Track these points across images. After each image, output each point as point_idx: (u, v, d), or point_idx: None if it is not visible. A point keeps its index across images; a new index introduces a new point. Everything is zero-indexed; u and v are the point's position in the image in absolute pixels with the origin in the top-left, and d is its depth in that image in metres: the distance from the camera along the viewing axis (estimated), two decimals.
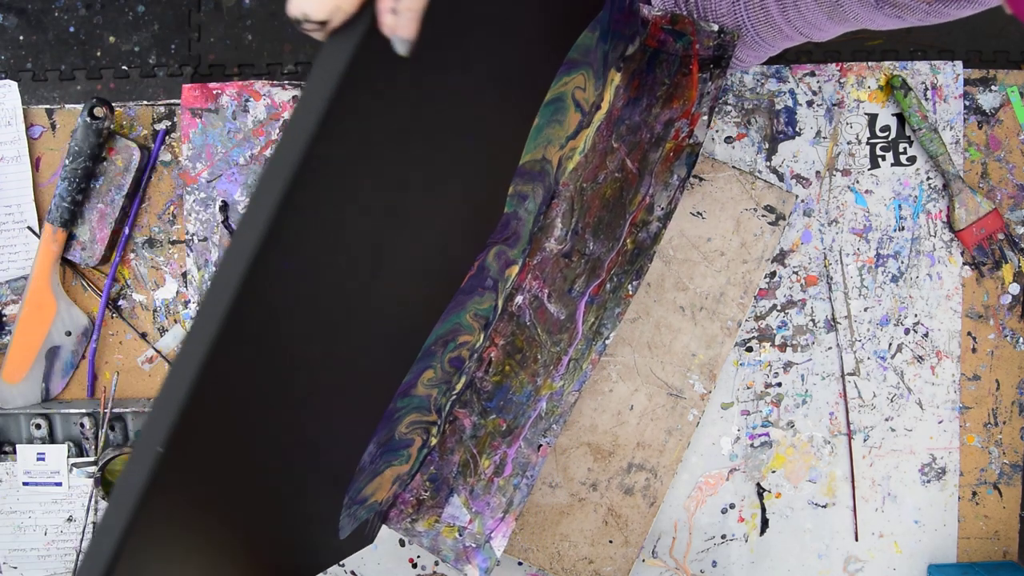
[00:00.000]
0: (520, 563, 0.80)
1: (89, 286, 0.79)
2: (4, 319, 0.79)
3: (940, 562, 0.80)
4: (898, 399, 0.79)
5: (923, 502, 0.80)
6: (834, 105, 0.79)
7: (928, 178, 0.79)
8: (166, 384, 0.34)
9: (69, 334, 0.78)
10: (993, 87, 0.79)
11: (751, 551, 0.80)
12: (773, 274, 0.79)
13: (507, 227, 0.65)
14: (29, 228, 0.78)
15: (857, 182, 0.79)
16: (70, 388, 0.79)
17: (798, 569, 0.80)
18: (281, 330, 0.40)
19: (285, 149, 0.33)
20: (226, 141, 0.79)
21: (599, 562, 0.78)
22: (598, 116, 0.70)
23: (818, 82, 0.79)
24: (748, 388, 0.79)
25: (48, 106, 0.80)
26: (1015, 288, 0.79)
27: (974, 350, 0.80)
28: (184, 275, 0.79)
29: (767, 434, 0.79)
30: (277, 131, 0.79)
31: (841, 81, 0.79)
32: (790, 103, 0.79)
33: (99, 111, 0.74)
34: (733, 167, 0.77)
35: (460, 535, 0.71)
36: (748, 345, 0.79)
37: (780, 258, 0.79)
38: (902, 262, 0.79)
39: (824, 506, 0.80)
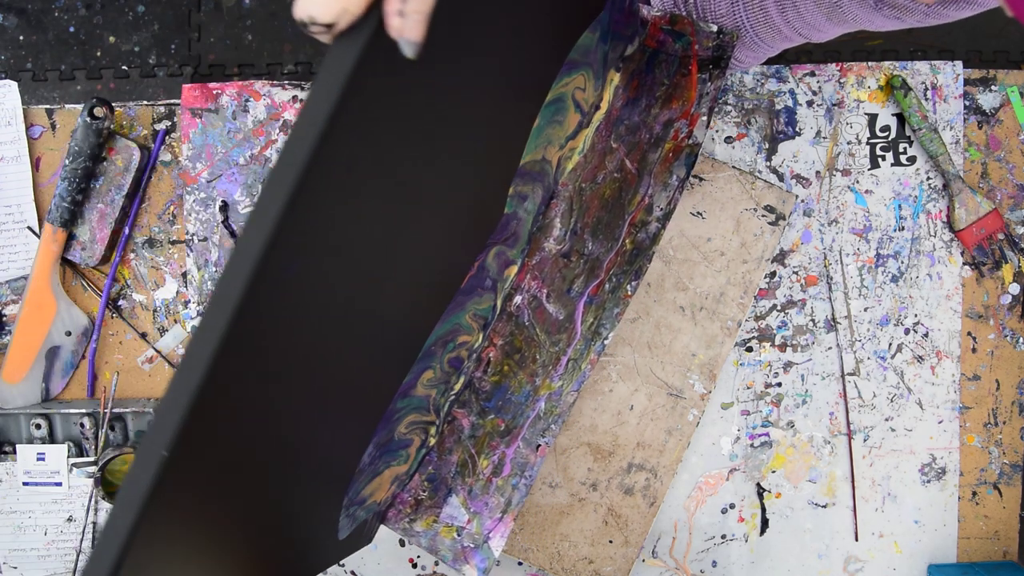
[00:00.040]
0: (520, 563, 0.80)
1: (89, 286, 0.79)
2: (4, 319, 0.79)
3: (940, 562, 0.80)
4: (898, 399, 0.79)
5: (923, 502, 0.80)
6: (834, 105, 0.79)
7: (928, 178, 0.79)
8: (171, 387, 0.34)
9: (69, 334, 0.78)
10: (993, 87, 0.79)
11: (751, 551, 0.80)
12: (773, 274, 0.79)
13: (506, 227, 0.65)
14: (29, 228, 0.78)
15: (857, 182, 0.79)
16: (70, 388, 0.79)
17: (798, 569, 0.80)
18: (285, 333, 0.40)
19: (291, 152, 0.33)
20: (226, 141, 0.79)
21: (599, 562, 0.78)
22: (597, 116, 0.70)
23: (818, 82, 0.79)
24: (748, 388, 0.79)
25: (48, 106, 0.80)
26: (1015, 288, 0.79)
27: (974, 350, 0.80)
28: (184, 275, 0.79)
29: (767, 434, 0.79)
30: (277, 131, 0.79)
31: (841, 81, 0.79)
32: (790, 103, 0.79)
33: (99, 111, 0.74)
34: (733, 167, 0.77)
35: (458, 535, 0.71)
36: (748, 345, 0.79)
37: (780, 258, 0.79)
38: (902, 262, 0.79)
39: (824, 506, 0.80)
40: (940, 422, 0.79)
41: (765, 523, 0.80)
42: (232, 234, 0.78)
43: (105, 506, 0.79)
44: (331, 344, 0.46)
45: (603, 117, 0.70)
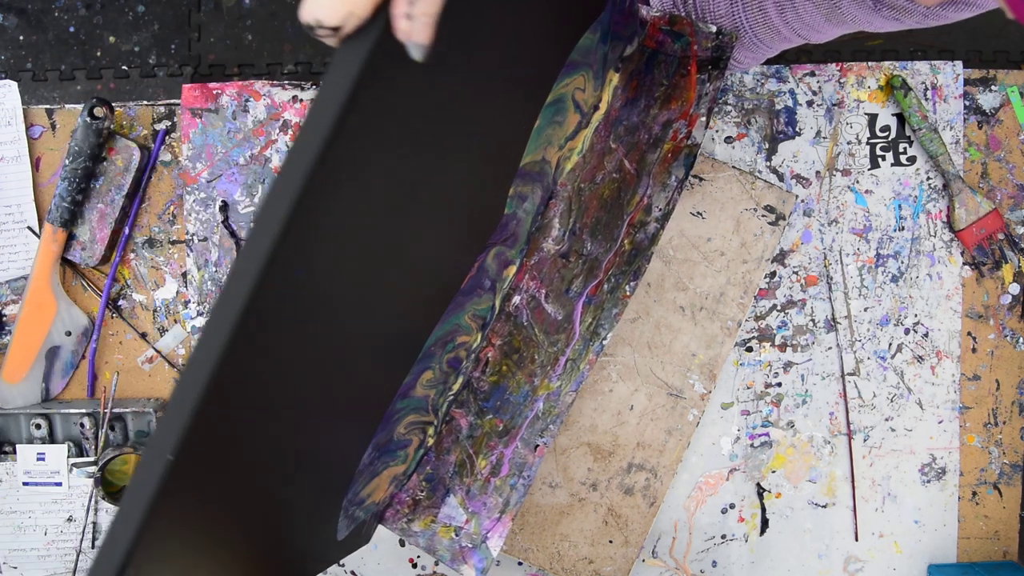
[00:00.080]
0: (520, 563, 0.80)
1: (89, 286, 0.79)
2: (4, 319, 0.79)
3: (940, 562, 0.80)
4: (898, 399, 0.79)
5: (923, 502, 0.80)
6: (834, 105, 0.79)
7: (928, 178, 0.79)
8: (177, 390, 0.34)
9: (69, 334, 0.78)
10: (993, 87, 0.79)
11: (751, 551, 0.80)
12: (773, 274, 0.79)
13: (506, 228, 0.65)
14: (29, 228, 0.78)
15: (857, 182, 0.79)
16: (70, 388, 0.79)
17: (798, 569, 0.80)
18: (289, 336, 0.40)
19: (297, 155, 0.33)
20: (226, 141, 0.79)
21: (599, 562, 0.78)
22: (596, 117, 0.70)
23: (818, 82, 0.79)
24: (748, 388, 0.79)
25: (48, 106, 0.80)
26: (1015, 288, 0.79)
27: (974, 350, 0.80)
28: (184, 275, 0.79)
29: (767, 434, 0.79)
30: (277, 131, 0.79)
31: (841, 81, 0.79)
32: (790, 103, 0.79)
33: (99, 111, 0.74)
34: (733, 167, 0.77)
35: (456, 535, 0.71)
36: (748, 345, 0.79)
37: (780, 258, 0.79)
38: (902, 262, 0.79)
39: (824, 506, 0.80)
40: (940, 422, 0.79)
41: (765, 523, 0.80)
42: (232, 234, 0.78)
43: (105, 506, 0.79)
44: (334, 346, 0.46)
45: (602, 118, 0.70)
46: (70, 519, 0.79)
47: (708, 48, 0.68)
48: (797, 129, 0.79)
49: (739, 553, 0.80)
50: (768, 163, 0.79)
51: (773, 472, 0.80)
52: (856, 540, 0.80)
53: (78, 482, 0.78)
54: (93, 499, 0.78)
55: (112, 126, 0.76)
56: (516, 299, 0.72)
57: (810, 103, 0.79)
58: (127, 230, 0.79)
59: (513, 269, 0.70)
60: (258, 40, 1.09)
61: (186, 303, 0.79)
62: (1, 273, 0.78)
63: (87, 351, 0.79)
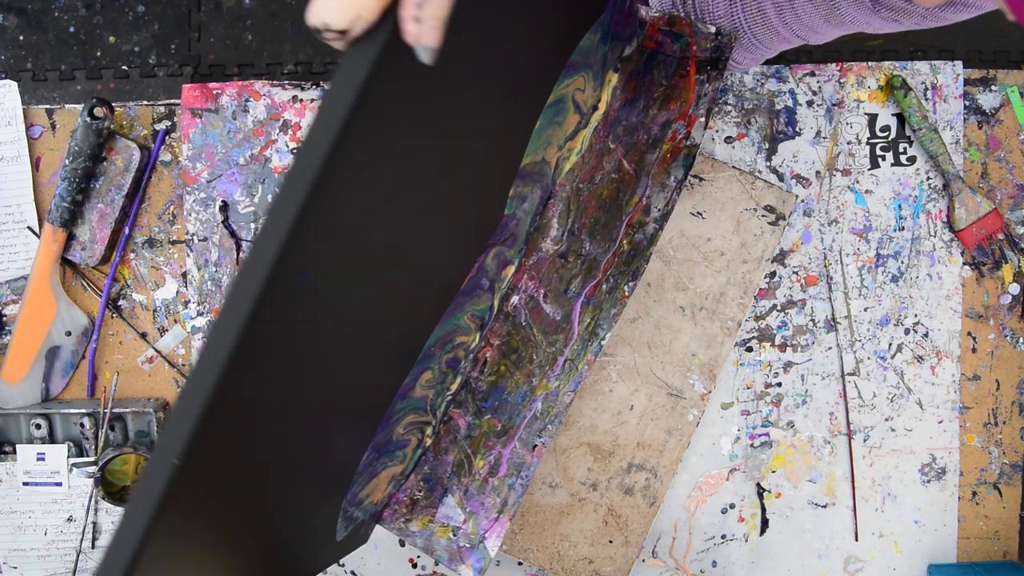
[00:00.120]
0: (520, 563, 0.80)
1: (89, 286, 0.79)
2: (4, 319, 0.79)
3: (940, 562, 0.80)
4: (898, 399, 0.79)
5: (923, 502, 0.80)
6: (834, 105, 0.79)
7: (928, 178, 0.79)
8: (183, 394, 0.34)
9: (69, 334, 0.78)
10: (993, 87, 0.79)
11: (751, 551, 0.80)
12: (773, 274, 0.79)
13: (505, 228, 0.65)
14: (29, 228, 0.78)
15: (857, 182, 0.79)
16: (70, 388, 0.79)
17: (798, 569, 0.80)
18: (294, 340, 0.40)
19: (305, 159, 0.33)
20: (226, 141, 0.79)
21: (599, 562, 0.78)
22: (595, 117, 0.70)
23: (818, 82, 0.79)
24: (748, 388, 0.79)
25: (48, 106, 0.80)
26: (1015, 288, 0.79)
27: (974, 350, 0.80)
28: (184, 275, 0.79)
29: (767, 434, 0.79)
30: (277, 131, 0.79)
31: (841, 81, 0.79)
32: (790, 103, 0.79)
33: (99, 111, 0.74)
34: (733, 167, 0.77)
35: (454, 535, 0.71)
36: (748, 345, 0.79)
37: (780, 258, 0.79)
38: (902, 262, 0.79)
39: (824, 506, 0.80)
40: (940, 422, 0.79)
41: (765, 523, 0.80)
42: (232, 234, 0.78)
43: (105, 506, 0.79)
44: (337, 349, 0.46)
45: (601, 118, 0.70)
46: (70, 519, 0.79)
47: (707, 49, 0.68)
48: (797, 129, 0.79)
49: (739, 553, 0.80)
50: (768, 163, 0.79)
51: (773, 472, 0.80)
52: (856, 540, 0.80)
53: (78, 482, 0.78)
54: (93, 499, 0.78)
55: (112, 126, 0.76)
56: (514, 299, 0.72)
57: (810, 103, 0.79)
58: (127, 230, 0.79)
59: (512, 269, 0.70)
60: (258, 40, 1.09)
61: (186, 303, 0.79)
62: (1, 273, 0.78)
63: (87, 351, 0.79)
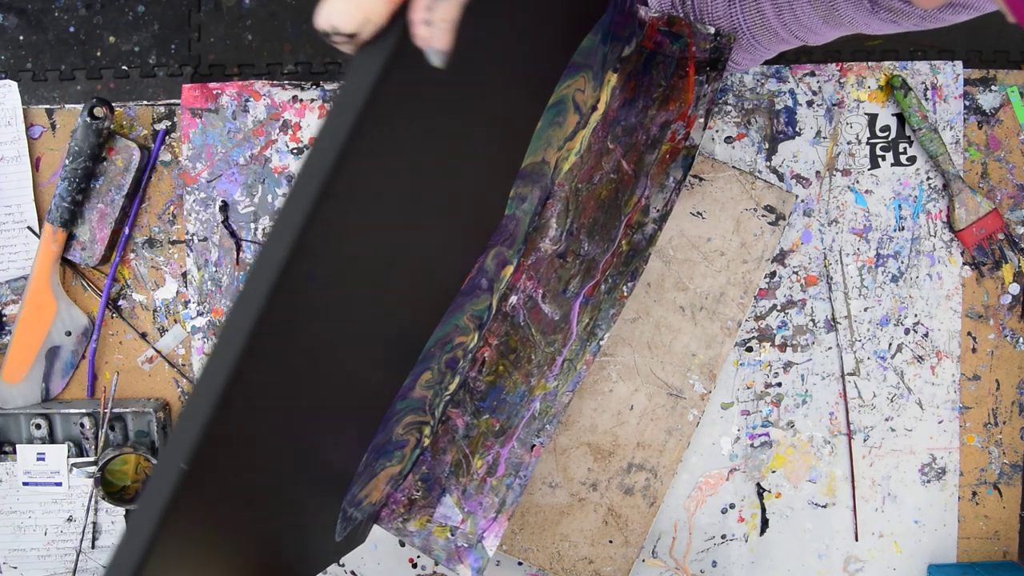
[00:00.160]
0: (520, 563, 0.80)
1: (89, 286, 0.79)
2: (4, 319, 0.79)
3: (940, 562, 0.80)
4: (898, 399, 0.79)
5: (923, 502, 0.80)
6: (834, 105, 0.79)
7: (928, 178, 0.79)
8: (192, 399, 0.34)
9: (69, 334, 0.78)
10: (993, 87, 0.79)
11: (751, 551, 0.80)
12: (773, 274, 0.79)
13: (504, 228, 0.65)
14: (29, 228, 0.78)
15: (857, 182, 0.79)
16: (70, 388, 0.79)
17: (798, 569, 0.80)
18: (300, 343, 0.40)
19: (315, 163, 0.33)
20: (226, 141, 0.79)
21: (599, 562, 0.78)
22: (594, 117, 0.70)
23: (818, 82, 0.79)
24: (748, 388, 0.79)
25: (48, 106, 0.80)
26: (1015, 288, 0.79)
27: (974, 350, 0.80)
28: (184, 275, 0.79)
29: (767, 434, 0.79)
30: (277, 131, 0.79)
31: (841, 81, 0.79)
32: (790, 103, 0.79)
33: (99, 111, 0.74)
34: (733, 167, 0.77)
35: (452, 535, 0.71)
36: (748, 345, 0.79)
37: (780, 258, 0.79)
38: (902, 262, 0.79)
39: (824, 506, 0.80)
40: (940, 422, 0.79)
41: (765, 523, 0.80)
42: (232, 234, 0.78)
43: (105, 506, 0.79)
44: (341, 351, 0.47)
45: (600, 118, 0.70)
46: (70, 519, 0.79)
47: (706, 49, 0.68)
48: (797, 129, 0.79)
49: (739, 553, 0.80)
50: (768, 163, 0.79)
51: (773, 472, 0.80)
52: (856, 540, 0.80)
53: (78, 482, 0.78)
54: (93, 499, 0.78)
55: (112, 126, 0.76)
56: (513, 299, 0.72)
57: (810, 103, 0.79)
58: (127, 230, 0.79)
59: (510, 269, 0.70)
60: (258, 40, 1.09)
61: (186, 303, 0.79)
62: (1, 273, 0.78)
63: (87, 351, 0.79)
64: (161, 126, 0.79)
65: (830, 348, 0.79)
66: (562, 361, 0.72)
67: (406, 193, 0.43)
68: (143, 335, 0.79)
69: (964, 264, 0.79)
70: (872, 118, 0.79)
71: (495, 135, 0.53)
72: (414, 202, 0.45)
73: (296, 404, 0.44)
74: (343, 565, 0.80)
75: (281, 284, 0.33)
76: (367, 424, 0.58)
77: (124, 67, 1.05)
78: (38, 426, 0.78)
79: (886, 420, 0.79)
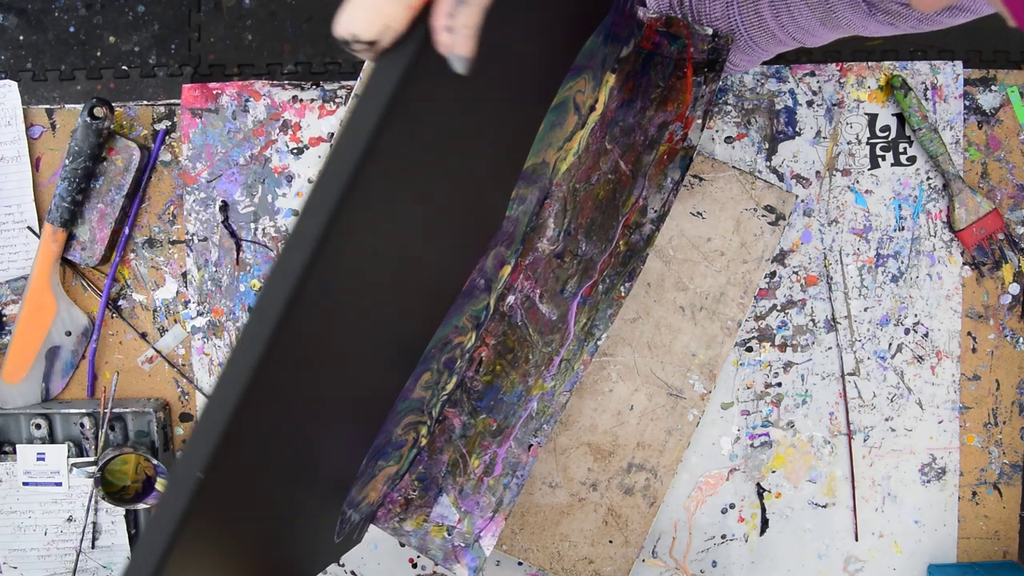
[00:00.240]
0: (520, 563, 0.80)
1: (89, 286, 0.79)
2: (4, 319, 0.79)
3: (940, 562, 0.80)
4: (898, 399, 0.79)
5: (923, 502, 0.79)
6: (834, 105, 0.79)
7: (928, 178, 0.79)
8: (208, 407, 0.34)
9: (69, 334, 0.78)
10: (993, 87, 0.79)
11: (751, 551, 0.80)
12: (773, 274, 0.79)
13: (504, 229, 0.65)
14: (29, 228, 0.78)
15: (857, 182, 0.79)
16: (70, 388, 0.79)
17: (798, 569, 0.80)
18: (311, 352, 0.40)
19: (334, 170, 0.33)
20: (226, 141, 0.79)
21: (599, 562, 0.78)
22: (592, 118, 0.70)
23: (818, 82, 0.79)
24: (748, 388, 0.79)
25: (48, 106, 0.80)
26: (1015, 288, 0.79)
27: (974, 350, 0.79)
28: (184, 275, 0.79)
29: (767, 434, 0.79)
30: (277, 131, 0.79)
31: (841, 81, 0.79)
32: (790, 103, 0.79)
33: (99, 111, 0.74)
34: (733, 167, 0.77)
35: (449, 534, 0.71)
36: (748, 345, 0.79)
37: (780, 258, 0.79)
38: (902, 262, 0.79)
39: (824, 506, 0.80)
40: (940, 422, 0.79)
41: (765, 523, 0.80)
42: (232, 234, 0.78)
43: (105, 506, 0.79)
44: (350, 357, 0.47)
45: (598, 119, 0.70)
46: (70, 519, 0.79)
47: (704, 50, 0.68)
48: (797, 129, 0.79)
49: (739, 553, 0.80)
50: (768, 163, 0.79)
51: (773, 472, 0.80)
52: (856, 540, 0.80)
53: (78, 482, 0.78)
54: (93, 499, 0.78)
55: (112, 126, 0.76)
56: (511, 299, 0.72)
57: (810, 103, 0.79)
58: (127, 230, 0.79)
59: (508, 269, 0.70)
60: (258, 40, 1.09)
61: (186, 303, 0.79)
62: (1, 273, 0.79)
63: (87, 351, 0.79)
64: (161, 126, 0.79)
65: (830, 348, 0.79)
66: (559, 361, 0.72)
67: (418, 199, 0.43)
68: (143, 335, 0.79)
69: (964, 264, 0.79)
70: (872, 118, 0.79)
71: (501, 138, 0.53)
72: (425, 207, 0.45)
73: (306, 410, 0.44)
74: (343, 565, 0.80)
75: (299, 293, 0.33)
76: (370, 427, 0.58)
77: (124, 67, 1.05)
78: (38, 426, 0.78)
79: (886, 420, 0.79)
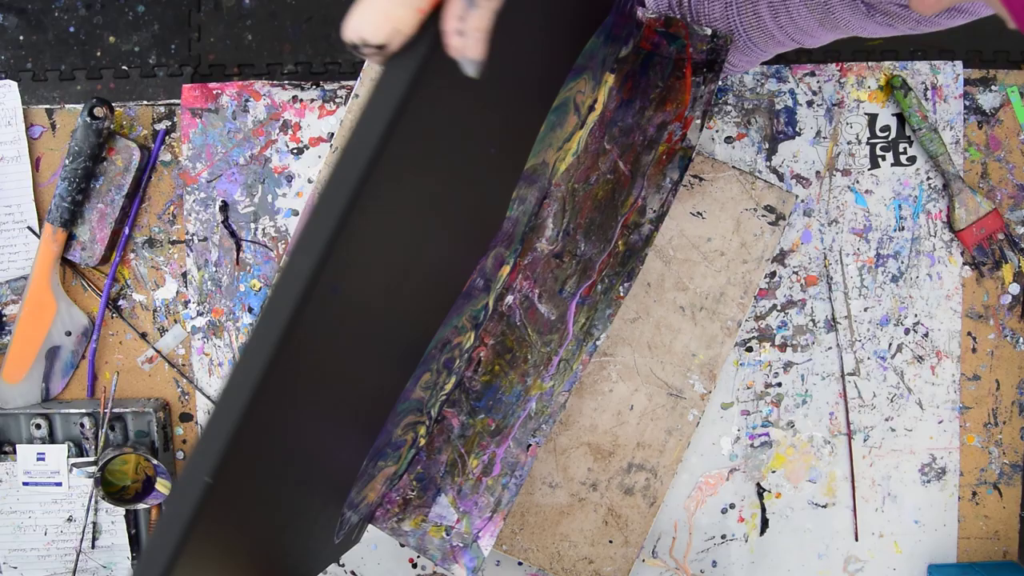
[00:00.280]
0: (520, 563, 0.80)
1: (89, 286, 0.79)
2: (4, 319, 0.79)
3: (940, 562, 0.80)
4: (898, 399, 0.79)
5: (923, 502, 0.79)
6: (834, 105, 0.79)
7: (928, 178, 0.79)
8: (216, 411, 0.34)
9: (69, 334, 0.78)
10: (993, 87, 0.79)
11: (751, 551, 0.80)
12: (773, 274, 0.79)
13: (504, 229, 0.65)
14: (29, 228, 0.78)
15: (857, 182, 0.79)
16: (70, 388, 0.79)
17: (798, 569, 0.80)
18: (318, 356, 0.40)
19: (343, 175, 0.33)
20: (226, 141, 0.79)
21: (599, 562, 0.78)
22: (591, 118, 0.70)
23: (818, 82, 0.79)
24: (748, 388, 0.79)
25: (48, 106, 0.80)
26: (1015, 288, 0.79)
27: (974, 350, 0.79)
28: (184, 275, 0.79)
29: (767, 434, 0.79)
30: (277, 131, 0.79)
31: (841, 81, 0.79)
32: (790, 103, 0.79)
33: (99, 111, 0.74)
34: (733, 167, 0.77)
35: (447, 534, 0.71)
36: (748, 345, 0.79)
37: (780, 258, 0.79)
38: (902, 262, 0.79)
39: (824, 506, 0.80)
40: (940, 422, 0.79)
41: (765, 523, 0.80)
42: (232, 234, 0.78)
43: (105, 506, 0.79)
44: (354, 360, 0.47)
45: (597, 119, 0.70)
46: (70, 519, 0.79)
47: (703, 51, 0.68)
48: (797, 129, 0.79)
49: (739, 553, 0.80)
50: (768, 163, 0.79)
51: (773, 472, 0.80)
52: (856, 540, 0.80)
53: (78, 482, 0.78)
54: (93, 499, 0.78)
55: (112, 126, 0.76)
56: (509, 299, 0.72)
57: (810, 103, 0.79)
58: (127, 230, 0.79)
59: (507, 269, 0.70)
60: (258, 40, 1.09)
61: (186, 303, 0.79)
62: (1, 273, 0.79)
63: (87, 351, 0.79)
64: (161, 126, 0.79)
65: (830, 348, 0.79)
66: (558, 361, 0.72)
67: (424, 202, 0.43)
68: (143, 335, 0.79)
69: (964, 264, 0.79)
70: (872, 118, 0.79)
71: (505, 140, 0.53)
72: (431, 210, 0.45)
73: (312, 412, 0.44)
74: (343, 565, 0.80)
75: (308, 298, 0.33)
76: (372, 428, 0.59)
77: (124, 67, 1.05)
78: (38, 426, 0.78)
79: (886, 420, 0.79)
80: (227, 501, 0.38)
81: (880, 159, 0.79)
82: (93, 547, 0.79)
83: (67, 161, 0.75)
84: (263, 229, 0.79)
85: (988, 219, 0.78)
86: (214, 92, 0.79)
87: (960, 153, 0.79)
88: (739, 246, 0.77)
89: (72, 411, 0.78)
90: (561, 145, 0.67)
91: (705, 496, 0.80)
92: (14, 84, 0.78)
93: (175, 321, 0.80)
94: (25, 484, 0.78)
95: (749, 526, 0.80)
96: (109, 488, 0.77)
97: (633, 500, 0.78)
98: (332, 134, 0.79)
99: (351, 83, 0.78)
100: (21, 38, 1.06)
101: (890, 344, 0.79)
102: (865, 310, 0.79)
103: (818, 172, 0.79)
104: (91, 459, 0.78)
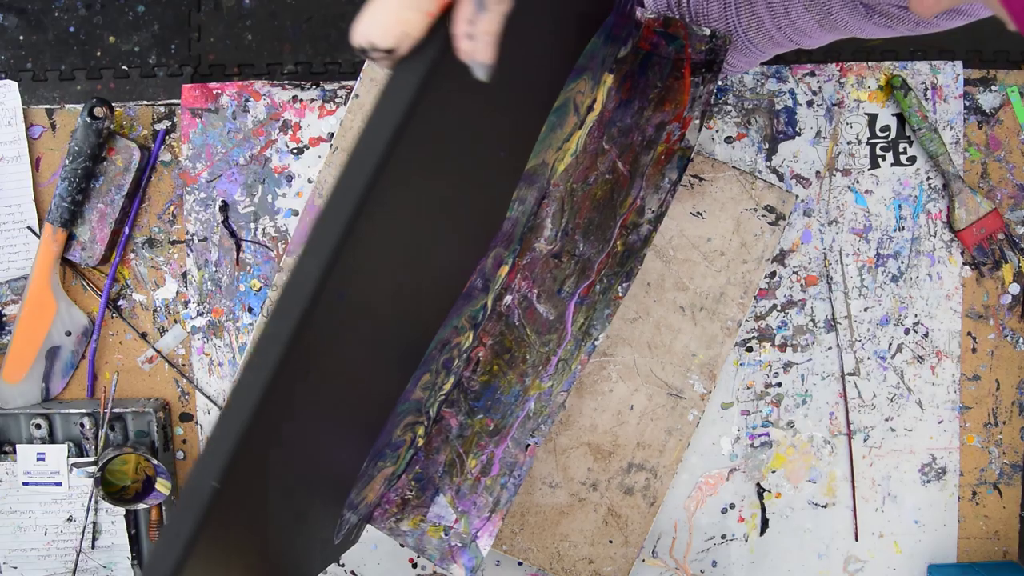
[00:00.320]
0: (520, 563, 0.80)
1: (89, 286, 0.79)
2: (4, 319, 0.79)
3: (940, 562, 0.80)
4: (898, 399, 0.79)
5: (923, 502, 0.79)
6: (834, 105, 0.79)
7: (928, 178, 0.79)
8: (224, 416, 0.34)
9: (69, 334, 0.78)
10: (993, 87, 0.79)
11: (751, 551, 0.80)
12: (773, 274, 0.79)
13: (503, 229, 0.65)
14: (29, 228, 0.78)
15: (857, 182, 0.79)
16: (70, 388, 0.79)
17: (798, 569, 0.80)
18: (323, 361, 0.40)
19: (350, 180, 0.32)
20: (226, 141, 0.79)
21: (599, 562, 0.78)
22: (590, 118, 0.70)
23: (818, 82, 0.79)
24: (748, 388, 0.79)
25: (48, 106, 0.80)
26: (1015, 288, 0.79)
27: (974, 350, 0.79)
28: (184, 275, 0.79)
29: (767, 434, 0.79)
30: (277, 131, 0.79)
31: (841, 81, 0.79)
32: (790, 103, 0.79)
33: (99, 111, 0.74)
34: (733, 167, 0.77)
35: (446, 534, 0.71)
36: (748, 345, 0.79)
37: (780, 258, 0.79)
38: (902, 262, 0.79)
39: (824, 506, 0.80)
40: (940, 422, 0.79)
41: (765, 523, 0.80)
42: (232, 234, 0.78)
43: (105, 506, 0.79)
44: (357, 363, 0.47)
45: (596, 119, 0.70)
46: (70, 519, 0.79)
47: (702, 51, 0.68)
48: (797, 129, 0.79)
49: (739, 553, 0.80)
50: (768, 163, 0.79)
51: (773, 472, 0.80)
52: (856, 540, 0.80)
53: (78, 482, 0.78)
54: (93, 499, 0.78)
55: (112, 126, 0.76)
56: (508, 299, 0.72)
57: (810, 103, 0.79)
58: (127, 230, 0.79)
59: (506, 269, 0.70)
60: (258, 40, 1.09)
61: (186, 303, 0.79)
62: (1, 273, 0.79)
63: (87, 351, 0.79)
64: (161, 126, 0.79)
65: (830, 348, 0.79)
66: (557, 361, 0.72)
67: (429, 204, 0.43)
68: (143, 335, 0.79)
69: (964, 264, 0.79)
70: (872, 118, 0.79)
71: (508, 141, 0.53)
72: (440, 214, 0.45)
73: (317, 415, 0.44)
74: (343, 565, 0.80)
75: (314, 303, 0.33)
76: (373, 430, 0.59)
77: (124, 67, 1.05)
78: (38, 426, 0.78)
79: (886, 420, 0.79)
80: (233, 505, 0.38)
81: (880, 159, 0.79)
82: (93, 547, 0.79)
83: (67, 161, 0.75)
84: (263, 229, 0.79)
85: (988, 219, 0.78)
86: (214, 92, 0.79)
87: (960, 153, 0.79)
88: (739, 246, 0.77)
89: (72, 411, 0.78)
90: (560, 145, 0.67)
91: (705, 496, 0.80)
92: (14, 84, 0.78)
93: (175, 321, 0.80)
94: (25, 484, 0.78)
95: (749, 526, 0.80)
96: (109, 488, 0.77)
97: (633, 500, 0.78)
98: (332, 134, 0.79)
99: (351, 83, 0.78)
100: (21, 38, 1.06)
101: (890, 344, 0.79)
102: (865, 310, 0.79)
103: (818, 172, 0.79)
104: (91, 459, 0.78)
